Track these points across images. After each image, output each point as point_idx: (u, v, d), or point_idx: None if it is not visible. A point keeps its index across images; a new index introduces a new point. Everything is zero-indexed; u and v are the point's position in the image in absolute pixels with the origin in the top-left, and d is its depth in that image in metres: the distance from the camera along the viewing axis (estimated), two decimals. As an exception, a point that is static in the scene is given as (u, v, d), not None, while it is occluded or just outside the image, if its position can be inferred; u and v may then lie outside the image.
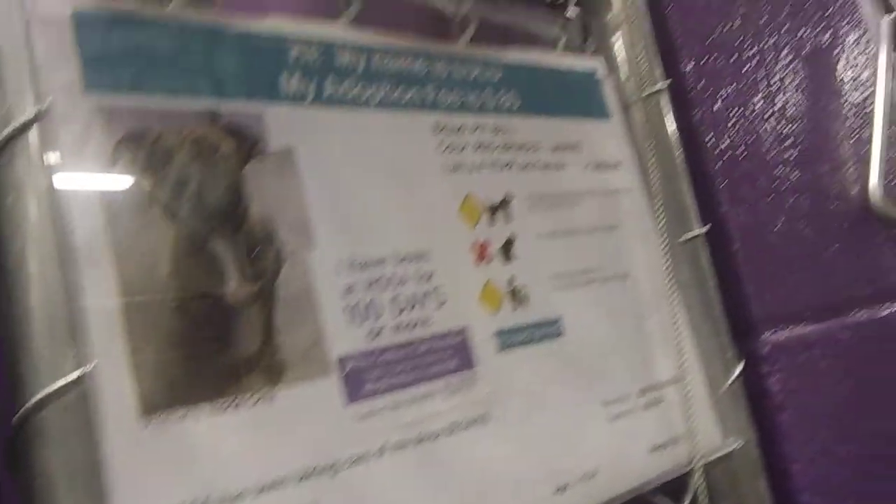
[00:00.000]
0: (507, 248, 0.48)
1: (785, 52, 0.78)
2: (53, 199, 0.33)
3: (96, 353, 0.32)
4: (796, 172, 0.74)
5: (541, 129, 0.54)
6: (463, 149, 0.49)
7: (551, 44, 0.60)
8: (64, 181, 0.33)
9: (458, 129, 0.49)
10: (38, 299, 0.34)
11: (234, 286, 0.36)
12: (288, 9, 0.44)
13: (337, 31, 0.45)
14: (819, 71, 0.81)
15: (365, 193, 0.43)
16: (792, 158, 0.74)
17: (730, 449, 0.58)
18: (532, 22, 0.59)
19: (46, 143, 0.33)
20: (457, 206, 0.47)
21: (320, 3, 0.48)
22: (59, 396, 0.33)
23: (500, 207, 0.49)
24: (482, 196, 0.49)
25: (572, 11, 0.61)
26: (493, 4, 0.57)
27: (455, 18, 0.54)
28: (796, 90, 0.78)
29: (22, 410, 0.33)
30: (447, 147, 0.48)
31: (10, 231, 0.34)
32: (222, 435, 0.33)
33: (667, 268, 0.57)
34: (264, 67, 0.41)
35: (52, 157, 0.33)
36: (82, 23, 0.35)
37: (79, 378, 0.32)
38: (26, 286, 0.34)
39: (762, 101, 0.74)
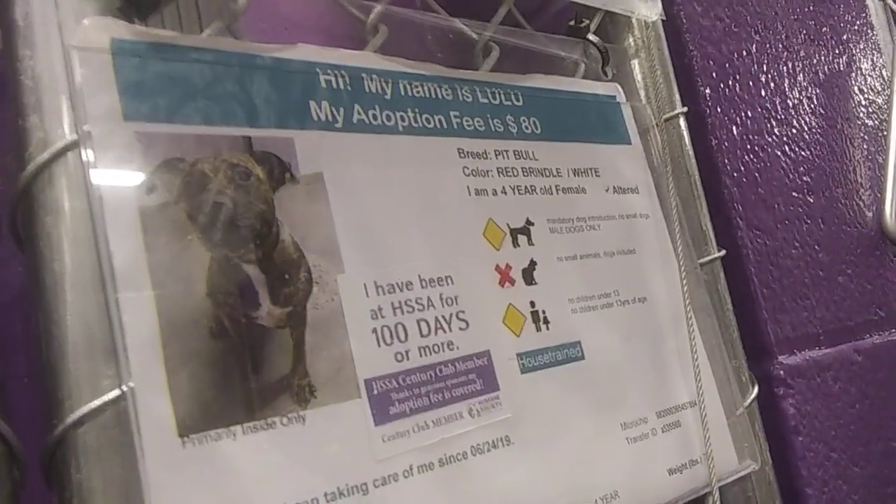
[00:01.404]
0: (528, 271, 0.49)
1: (800, 77, 0.79)
2: (93, 222, 0.34)
3: (134, 374, 0.33)
4: (811, 197, 0.74)
5: (561, 153, 0.55)
6: (486, 174, 0.49)
7: (571, 69, 0.61)
8: (103, 206, 0.34)
9: (481, 155, 0.50)
10: (77, 320, 0.34)
11: (267, 309, 0.37)
12: (317, 37, 0.45)
13: (365, 58, 0.46)
14: (834, 96, 0.82)
15: (391, 217, 0.44)
16: (807, 183, 0.75)
17: (746, 471, 0.58)
18: (552, 48, 0.60)
19: (86, 168, 0.34)
20: (480, 230, 0.48)
21: (347, 30, 0.49)
22: (98, 415, 0.33)
23: (521, 231, 0.50)
24: (505, 220, 0.49)
25: (592, 37, 0.62)
26: (514, 31, 0.58)
27: (478, 44, 0.55)
28: (812, 115, 0.79)
29: (61, 427, 0.34)
30: (471, 172, 0.49)
31: (49, 253, 0.35)
32: (256, 455, 0.34)
33: (684, 291, 0.58)
34: (295, 94, 0.42)
35: (92, 182, 0.34)
36: (120, 52, 0.36)
37: (117, 397, 0.33)
38: (66, 307, 0.34)
39: (778, 127, 0.74)
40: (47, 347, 0.35)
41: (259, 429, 0.35)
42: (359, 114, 0.44)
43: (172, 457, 0.32)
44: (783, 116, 0.76)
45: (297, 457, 0.35)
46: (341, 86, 0.44)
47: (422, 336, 0.42)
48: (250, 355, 0.36)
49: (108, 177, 0.34)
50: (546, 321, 0.49)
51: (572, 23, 0.62)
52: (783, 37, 0.79)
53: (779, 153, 0.74)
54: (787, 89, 0.77)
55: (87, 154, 0.34)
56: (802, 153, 0.76)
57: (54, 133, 0.35)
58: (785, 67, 0.78)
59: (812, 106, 0.79)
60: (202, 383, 0.34)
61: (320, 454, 0.36)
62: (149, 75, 0.36)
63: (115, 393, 0.33)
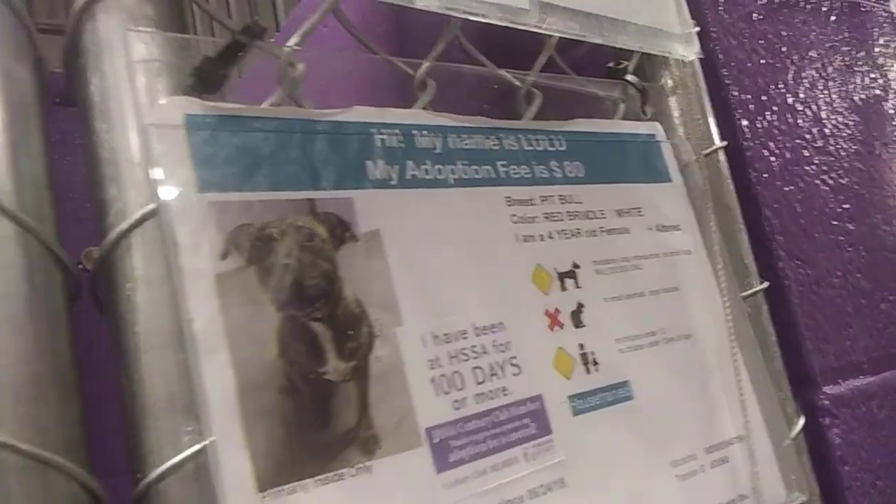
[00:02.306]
0: (577, 314, 0.51)
1: (837, 104, 0.80)
2: (173, 289, 0.36)
3: (215, 430, 0.35)
4: (852, 225, 0.75)
5: (605, 195, 0.56)
6: (533, 220, 0.51)
7: (612, 110, 0.62)
8: (182, 273, 0.36)
9: (528, 202, 0.51)
10: (157, 380, 0.37)
11: (333, 364, 0.39)
12: (369, 96, 0.47)
13: (415, 115, 0.48)
14: (872, 121, 0.82)
15: (445, 268, 0.45)
16: (847, 211, 0.75)
17: (795, 503, 0.59)
18: (592, 90, 0.62)
19: (165, 237, 0.36)
20: (529, 276, 0.49)
21: (394, 87, 0.51)
22: (179, 469, 0.36)
23: (569, 275, 0.51)
24: (552, 265, 0.51)
25: (631, 78, 0.63)
26: (555, 76, 0.59)
27: (521, 91, 0.57)
28: (850, 141, 0.79)
29: (145, 482, 0.36)
30: (518, 219, 0.50)
31: (130, 317, 0.37)
32: (327, 507, 0.36)
33: (729, 326, 0.59)
34: (353, 155, 0.44)
35: (171, 251, 0.36)
36: (193, 126, 0.38)
37: (197, 451, 0.35)
38: (148, 368, 0.37)
39: (817, 155, 0.75)
40: (130, 406, 0.37)
41: (329, 481, 0.37)
42: (412, 170, 0.46)
43: (252, 511, 0.34)
44: (821, 144, 0.76)
45: (365, 506, 0.37)
46: (395, 143, 0.46)
47: (477, 383, 0.44)
48: (319, 410, 0.38)
49: (186, 245, 0.36)
50: (595, 363, 0.50)
51: (611, 64, 0.64)
52: (819, 65, 0.80)
53: (818, 182, 0.74)
54: (823, 117, 0.78)
55: (166, 223, 0.36)
56: (841, 181, 0.76)
57: (132, 203, 0.38)
58: (821, 95, 0.79)
59: (850, 132, 0.80)
60: (277, 439, 0.36)
61: (387, 502, 0.38)
62: (219, 147, 0.38)
63: (197, 447, 0.35)
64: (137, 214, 0.37)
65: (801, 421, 0.64)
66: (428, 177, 0.47)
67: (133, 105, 0.38)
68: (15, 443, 0.32)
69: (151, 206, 0.37)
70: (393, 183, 0.45)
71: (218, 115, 0.39)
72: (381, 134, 0.45)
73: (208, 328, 0.35)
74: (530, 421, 0.45)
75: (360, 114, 0.45)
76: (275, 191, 0.40)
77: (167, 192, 0.36)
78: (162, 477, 0.35)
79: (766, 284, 0.65)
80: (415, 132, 0.47)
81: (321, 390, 0.38)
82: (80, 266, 0.41)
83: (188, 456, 0.36)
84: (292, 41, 0.44)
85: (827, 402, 0.67)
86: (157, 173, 0.36)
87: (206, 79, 0.38)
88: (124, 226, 0.37)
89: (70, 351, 0.36)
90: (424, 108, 0.50)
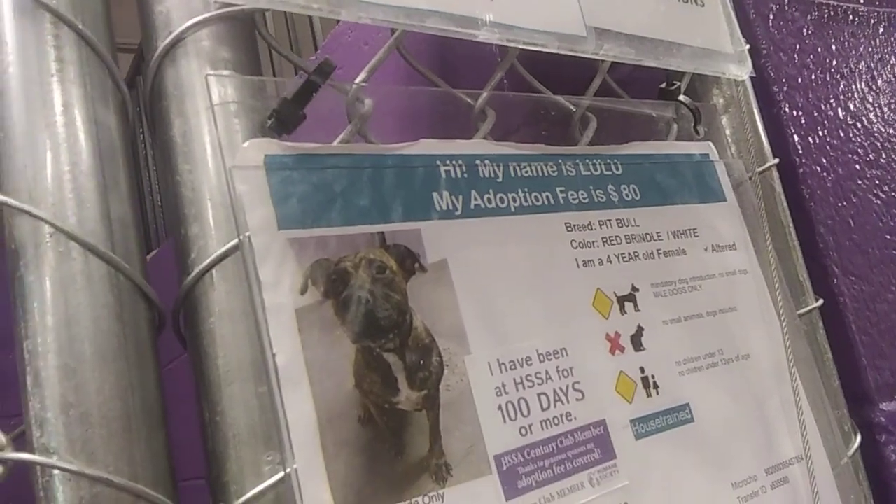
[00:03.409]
0: (637, 337, 0.51)
1: (889, 116, 0.79)
2: (255, 322, 0.38)
3: (298, 461, 0.36)
4: (907, 239, 0.74)
5: (661, 217, 0.57)
6: (592, 245, 0.52)
7: (665, 131, 0.63)
8: (265, 308, 0.37)
9: (587, 226, 0.52)
10: (239, 411, 0.38)
11: (405, 394, 0.40)
12: (432, 129, 0.48)
13: (477, 146, 0.49)
14: (923, 133, 0.82)
15: (509, 295, 0.46)
16: (902, 225, 0.75)
17: (853, 522, 0.59)
18: (645, 111, 0.62)
19: (248, 273, 0.38)
20: (590, 301, 0.50)
21: (455, 118, 0.52)
22: (260, 498, 0.37)
23: (628, 298, 0.52)
24: (612, 289, 0.51)
25: (683, 98, 0.64)
26: (608, 99, 0.60)
27: (576, 115, 0.58)
28: (902, 154, 0.79)
29: (229, 511, 0.37)
30: (578, 244, 0.51)
31: (213, 350, 0.39)
32: (403, 535, 0.37)
33: (786, 345, 0.59)
34: (420, 187, 0.45)
35: (253, 287, 0.38)
36: (272, 167, 0.39)
37: (277, 482, 0.37)
38: (230, 400, 0.38)
39: (869, 169, 0.75)
40: (213, 437, 0.39)
41: (405, 509, 0.38)
42: (475, 199, 0.47)
43: (334, 540, 0.35)
44: (873, 158, 0.76)
45: (440, 534, 0.38)
46: (458, 174, 0.47)
47: (542, 409, 0.45)
48: (394, 439, 0.39)
49: (268, 281, 0.38)
50: (656, 386, 0.51)
51: (663, 85, 0.64)
52: (868, 78, 0.80)
53: (871, 196, 0.74)
54: (875, 131, 0.77)
55: (249, 260, 0.38)
56: (894, 194, 0.76)
57: (214, 241, 0.39)
58: (872, 108, 0.78)
59: (902, 145, 0.79)
60: (355, 468, 0.37)
61: (460, 530, 0.39)
62: (297, 185, 0.40)
63: (279, 475, 0.37)
64: (220, 251, 0.39)
65: (858, 439, 0.64)
66: (491, 205, 0.48)
67: (213, 146, 0.40)
68: (109, 476, 0.34)
69: (233, 243, 0.39)
70: (458, 213, 0.46)
71: (295, 154, 0.40)
72: (446, 165, 0.47)
73: (290, 361, 0.37)
74: (594, 446, 0.46)
75: (426, 146, 0.46)
76: (348, 225, 0.41)
77: (250, 230, 0.38)
78: (246, 505, 0.37)
79: (820, 302, 0.65)
80: (477, 162, 0.48)
81: (395, 420, 0.39)
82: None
83: (270, 485, 0.37)
84: (360, 77, 0.45)
85: (883, 419, 0.67)
86: (241, 212, 0.38)
87: (284, 120, 0.40)
88: (207, 262, 0.39)
89: (157, 385, 0.38)
90: (485, 138, 0.50)
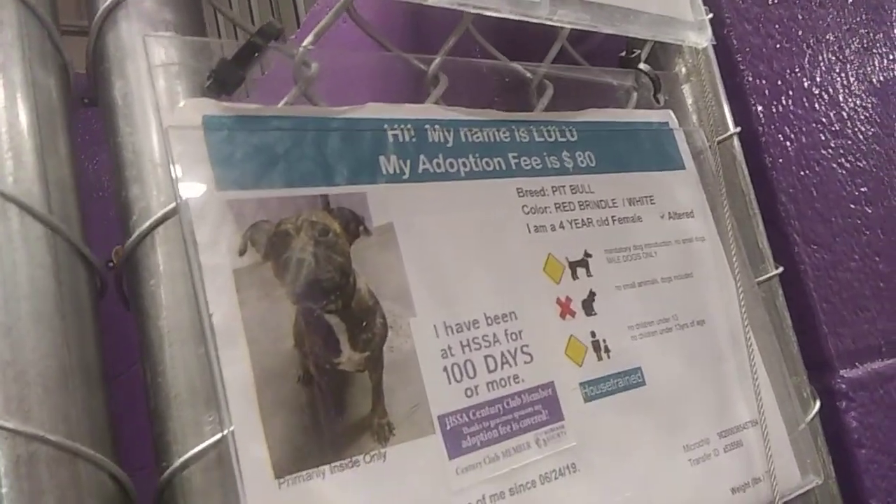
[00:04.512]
0: (588, 302, 0.52)
1: (855, 86, 0.79)
2: (192, 284, 0.38)
3: (234, 420, 0.36)
4: (869, 208, 0.75)
5: (616, 184, 0.57)
6: (544, 210, 0.52)
7: (624, 99, 0.63)
8: (202, 269, 0.37)
9: (539, 192, 0.52)
10: (179, 371, 0.38)
11: (347, 355, 0.40)
12: (383, 93, 0.48)
13: (427, 110, 0.49)
14: (891, 104, 0.82)
15: (457, 260, 0.47)
16: (865, 194, 0.75)
17: (809, 487, 0.60)
18: (605, 79, 0.62)
19: (185, 235, 0.38)
20: (541, 266, 0.50)
21: (406, 83, 0.52)
22: (201, 457, 0.37)
23: (580, 264, 0.52)
24: (563, 254, 0.52)
25: (643, 66, 0.64)
26: (566, 66, 0.60)
27: (532, 83, 0.58)
28: (868, 124, 0.79)
29: (169, 469, 0.37)
30: (530, 210, 0.51)
31: (154, 311, 0.39)
32: (343, 492, 0.37)
33: (742, 312, 0.59)
34: (366, 151, 0.45)
35: (190, 248, 0.38)
36: (211, 127, 0.39)
37: (218, 441, 0.37)
38: (171, 360, 0.38)
39: (833, 139, 0.75)
40: (154, 397, 0.39)
41: (345, 467, 0.38)
42: (424, 164, 0.47)
43: (270, 497, 0.35)
44: (838, 128, 0.76)
45: (379, 491, 0.39)
46: (407, 139, 0.47)
47: (489, 371, 0.45)
48: (334, 399, 0.39)
49: (205, 242, 0.38)
50: (607, 350, 0.51)
51: (623, 53, 0.64)
52: (836, 48, 0.80)
53: (834, 165, 0.74)
54: (841, 101, 0.77)
55: (186, 222, 0.38)
56: (859, 164, 0.76)
57: (155, 203, 0.39)
58: (839, 78, 0.79)
59: (868, 115, 0.79)
60: (293, 427, 0.37)
61: (401, 488, 0.39)
62: (236, 146, 0.40)
63: (218, 436, 0.37)
64: (159, 213, 0.39)
65: (818, 405, 0.64)
66: (440, 170, 0.48)
67: (154, 108, 0.40)
68: (45, 434, 0.34)
69: (172, 205, 0.39)
70: (405, 177, 0.46)
71: (235, 115, 0.40)
72: (394, 129, 0.47)
73: (227, 322, 0.37)
74: (542, 407, 0.46)
75: (373, 110, 0.46)
76: (290, 187, 0.41)
77: (187, 191, 0.38)
78: (185, 465, 0.37)
79: (780, 269, 0.65)
80: (427, 127, 0.48)
81: (336, 380, 0.40)
82: (111, 264, 0.43)
83: (209, 445, 0.37)
84: (307, 41, 0.45)
85: (843, 386, 0.67)
86: (177, 173, 0.38)
87: (223, 80, 0.40)
88: (147, 224, 0.39)
89: (96, 344, 0.38)
90: (437, 103, 0.50)
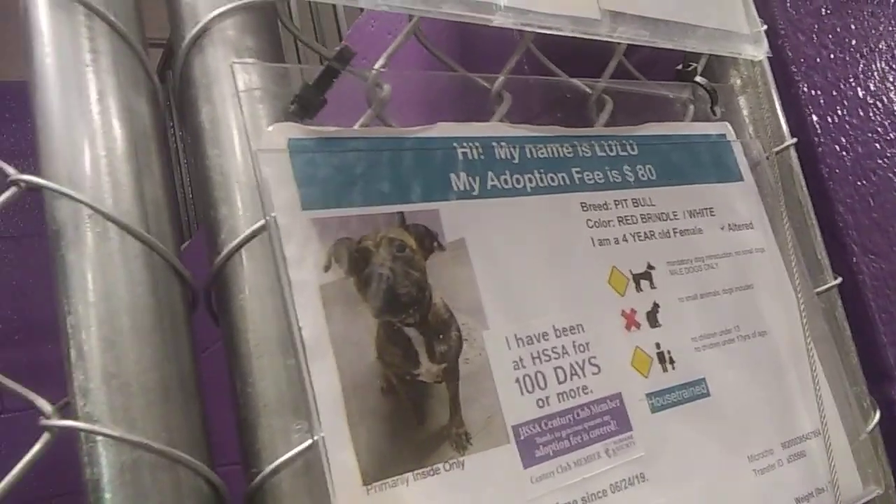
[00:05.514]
0: (652, 313, 0.52)
1: (910, 96, 0.79)
2: (282, 298, 0.40)
3: (325, 428, 0.38)
4: (927, 217, 0.74)
5: (676, 197, 0.58)
6: (607, 224, 0.53)
7: (682, 112, 0.64)
8: (291, 285, 0.39)
9: (602, 206, 0.53)
10: (270, 383, 0.40)
11: (426, 366, 0.42)
12: (450, 112, 0.49)
13: (494, 128, 0.50)
14: (946, 112, 0.81)
15: (526, 273, 0.48)
16: (922, 203, 0.75)
17: (871, 496, 0.60)
18: (662, 93, 0.63)
19: (274, 252, 0.40)
20: (605, 278, 0.51)
21: (473, 101, 0.54)
22: (291, 464, 0.39)
23: (643, 276, 0.53)
24: (627, 267, 0.53)
25: (700, 79, 0.64)
26: (625, 81, 0.61)
27: (592, 98, 0.59)
28: (923, 133, 0.79)
29: (260, 476, 0.39)
30: (594, 223, 0.52)
31: (243, 325, 0.41)
32: (425, 499, 0.39)
33: (803, 322, 0.59)
34: (438, 169, 0.46)
35: (280, 265, 0.40)
36: (296, 150, 0.41)
37: (306, 448, 0.39)
38: (260, 371, 0.40)
39: (889, 148, 0.75)
40: (245, 407, 0.41)
41: (427, 475, 0.40)
42: (492, 180, 0.49)
43: (359, 502, 0.37)
44: (893, 137, 0.76)
45: (459, 498, 0.40)
46: (475, 156, 0.48)
47: (559, 382, 0.46)
48: (415, 409, 0.41)
49: (293, 259, 0.39)
50: (671, 361, 0.52)
51: (680, 67, 0.65)
52: (888, 56, 0.80)
53: (891, 175, 0.74)
54: (895, 110, 0.77)
55: (276, 239, 0.39)
56: (916, 173, 0.76)
57: (242, 222, 0.41)
58: (893, 87, 0.78)
59: (924, 123, 0.79)
60: (378, 436, 0.39)
61: (479, 495, 0.41)
62: (319, 167, 0.42)
63: (307, 443, 0.39)
64: (247, 231, 0.41)
65: (878, 414, 0.64)
66: (507, 186, 0.49)
67: (240, 131, 0.42)
68: (148, 442, 0.36)
69: (260, 224, 0.41)
70: (475, 193, 0.47)
71: (317, 137, 0.42)
72: (463, 147, 0.48)
73: (315, 335, 0.39)
74: (610, 418, 0.47)
75: (444, 129, 0.48)
76: (369, 205, 0.43)
77: (276, 211, 0.40)
78: (276, 471, 0.39)
79: (839, 280, 0.65)
80: (494, 144, 0.50)
81: (416, 391, 0.41)
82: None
83: (298, 452, 0.39)
84: (378, 63, 0.47)
85: (904, 396, 0.67)
86: (267, 194, 0.40)
87: (306, 105, 0.42)
88: (236, 242, 0.41)
89: (191, 356, 0.40)
90: (502, 121, 0.52)
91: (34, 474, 0.34)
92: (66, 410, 0.37)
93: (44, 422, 0.36)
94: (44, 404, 0.36)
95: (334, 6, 1.96)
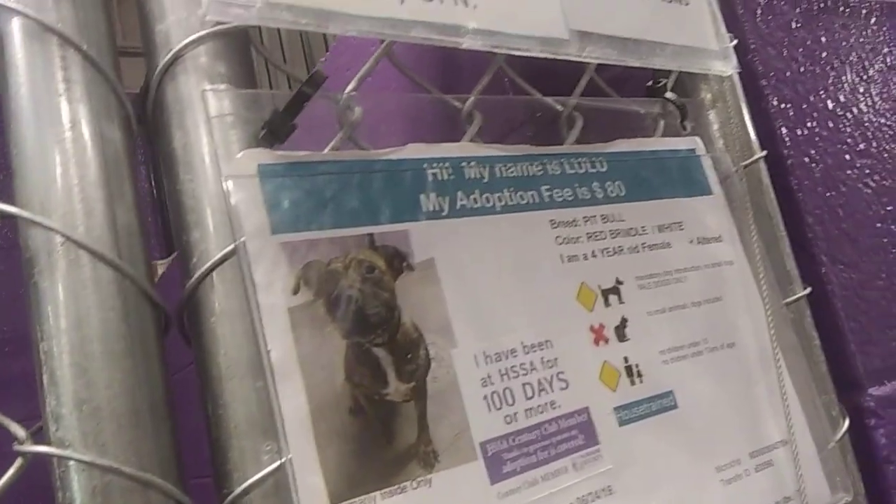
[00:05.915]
0: (620, 328, 0.54)
1: (879, 105, 0.81)
2: (251, 321, 0.40)
3: (292, 449, 0.39)
4: (895, 226, 0.76)
5: (646, 212, 0.59)
6: (576, 240, 0.54)
7: (652, 127, 0.65)
8: (259, 308, 0.40)
9: (572, 223, 0.54)
10: (240, 405, 0.41)
11: (394, 386, 0.43)
12: (429, 131, 0.50)
13: (463, 148, 0.51)
14: (916, 122, 0.83)
15: (495, 291, 0.49)
16: (891, 213, 0.76)
17: (840, 504, 0.61)
18: (632, 109, 0.64)
19: (244, 276, 0.41)
20: (574, 294, 0.53)
21: (445, 122, 0.55)
22: (261, 484, 0.40)
23: (612, 291, 0.54)
24: (596, 282, 0.54)
25: (670, 95, 0.65)
26: (595, 98, 0.62)
27: (562, 115, 0.60)
28: (893, 142, 0.80)
29: (231, 496, 0.40)
30: (563, 240, 0.53)
31: (214, 348, 0.42)
32: (393, 517, 0.40)
33: (771, 333, 0.61)
34: (407, 190, 0.47)
35: (249, 288, 0.40)
36: (265, 175, 0.42)
37: (276, 469, 0.40)
38: (231, 394, 0.41)
39: (859, 159, 0.76)
40: (216, 428, 0.41)
41: (394, 493, 0.41)
42: (461, 200, 0.50)
43: (327, 523, 0.38)
44: (863, 147, 0.77)
45: (427, 516, 0.41)
46: (445, 176, 0.49)
47: (527, 398, 0.47)
48: (383, 428, 0.42)
49: (262, 283, 0.40)
50: (640, 374, 0.53)
51: (650, 83, 0.66)
52: (859, 68, 0.81)
53: (860, 185, 0.76)
54: (865, 120, 0.79)
55: (245, 264, 0.40)
56: (885, 182, 0.77)
57: (213, 246, 0.42)
58: (863, 98, 0.80)
59: (892, 133, 0.81)
60: (346, 456, 0.40)
61: (447, 513, 0.42)
62: (288, 192, 0.42)
63: (275, 465, 0.40)
64: (218, 255, 0.42)
65: (846, 423, 0.66)
66: (477, 205, 0.50)
67: (211, 157, 0.42)
68: (119, 466, 0.37)
69: (230, 248, 0.42)
70: (444, 213, 0.48)
71: (286, 162, 0.43)
72: (433, 168, 0.49)
73: (283, 357, 0.40)
74: (578, 432, 0.48)
75: (413, 150, 0.49)
76: (338, 228, 0.44)
77: (245, 236, 0.40)
78: (246, 492, 0.40)
79: (808, 290, 0.67)
80: (463, 164, 0.51)
81: (384, 410, 0.42)
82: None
83: (268, 473, 0.40)
84: (349, 87, 0.48)
85: (872, 404, 0.68)
86: (236, 219, 0.41)
87: (276, 131, 0.42)
88: (207, 266, 0.42)
89: (163, 381, 0.41)
90: (473, 140, 0.53)
91: (8, 500, 0.35)
92: (40, 435, 0.38)
93: (17, 447, 0.37)
94: (17, 430, 0.37)
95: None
